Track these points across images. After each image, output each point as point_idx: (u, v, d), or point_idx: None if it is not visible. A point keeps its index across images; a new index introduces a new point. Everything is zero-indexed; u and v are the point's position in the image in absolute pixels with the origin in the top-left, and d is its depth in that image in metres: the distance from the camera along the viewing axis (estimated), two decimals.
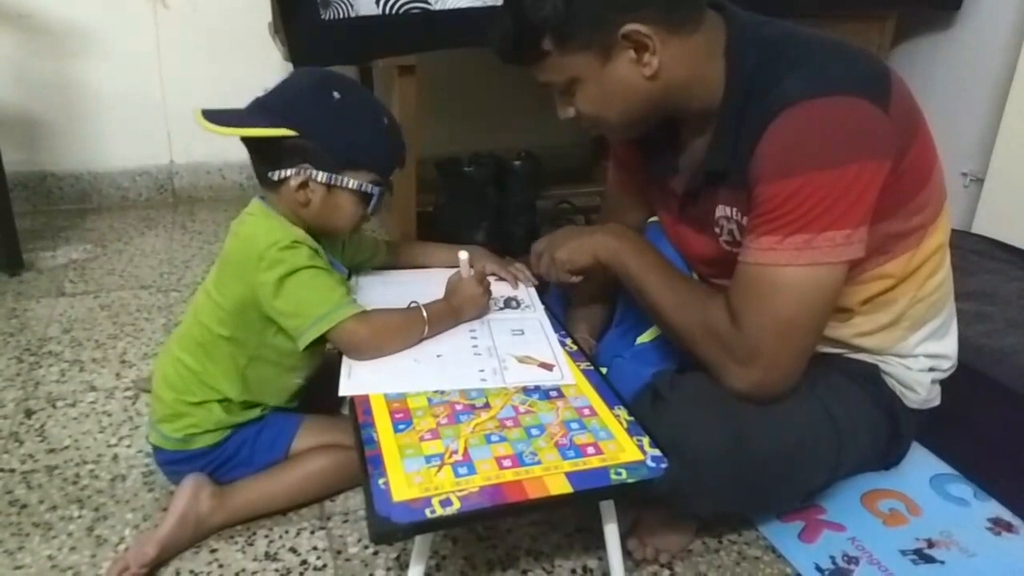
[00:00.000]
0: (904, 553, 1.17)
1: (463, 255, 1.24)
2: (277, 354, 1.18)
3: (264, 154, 1.14)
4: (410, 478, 0.89)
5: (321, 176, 1.12)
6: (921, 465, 1.35)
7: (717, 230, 1.12)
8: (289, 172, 1.12)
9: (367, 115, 1.16)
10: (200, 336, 1.19)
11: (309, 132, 1.10)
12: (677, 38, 1.02)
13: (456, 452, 0.94)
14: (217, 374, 1.18)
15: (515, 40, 1.06)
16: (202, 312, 1.19)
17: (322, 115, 1.11)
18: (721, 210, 1.10)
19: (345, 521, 1.23)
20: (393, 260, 1.43)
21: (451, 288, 1.22)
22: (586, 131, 1.14)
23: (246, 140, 1.13)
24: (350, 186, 1.14)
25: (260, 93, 1.15)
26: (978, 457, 1.34)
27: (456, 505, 0.86)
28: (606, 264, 1.19)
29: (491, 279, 1.38)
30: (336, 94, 1.12)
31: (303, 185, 1.12)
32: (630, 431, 0.98)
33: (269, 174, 1.13)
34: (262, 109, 1.12)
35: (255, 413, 1.23)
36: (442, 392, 1.05)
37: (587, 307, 1.37)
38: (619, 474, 0.91)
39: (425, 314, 1.15)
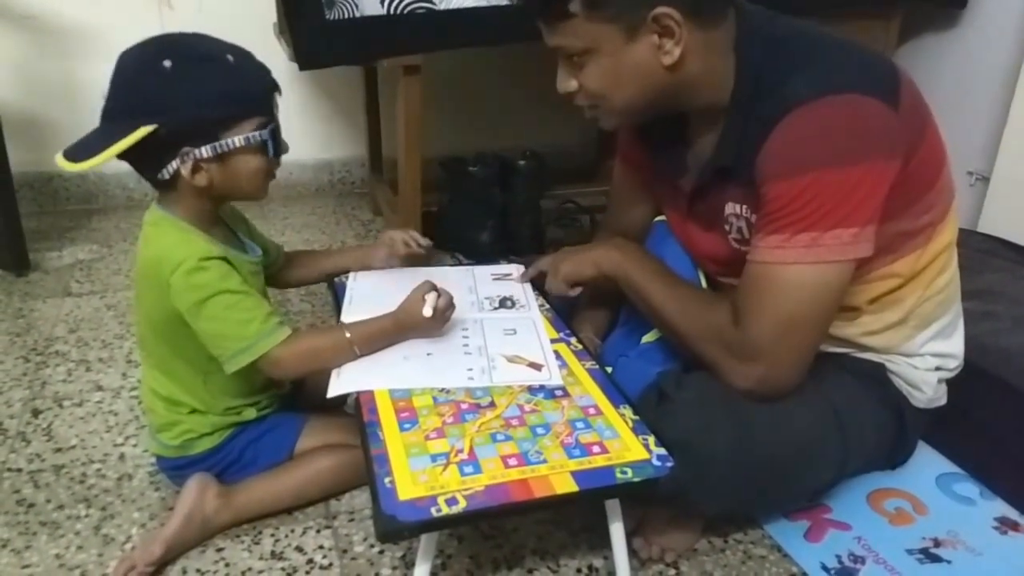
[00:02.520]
0: (910, 552, 1.17)
1: (431, 297, 1.13)
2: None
3: (142, 160, 1.06)
4: (416, 477, 0.89)
5: (206, 151, 1.04)
6: (927, 464, 1.35)
7: (726, 227, 1.12)
8: (175, 164, 1.05)
9: (210, 64, 1.04)
10: (153, 360, 1.18)
11: (165, 116, 1.01)
12: (701, 31, 1.01)
13: (462, 451, 0.94)
14: (183, 391, 1.17)
15: None
16: (143, 338, 1.18)
17: (166, 91, 1.01)
18: (730, 207, 1.10)
19: (351, 520, 1.23)
20: (288, 273, 1.37)
21: (403, 306, 1.14)
22: (580, 109, 1.12)
23: (120, 155, 1.02)
24: (239, 144, 1.06)
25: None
26: (984, 456, 1.33)
27: (462, 504, 0.86)
28: (609, 275, 1.20)
29: (491, 279, 1.39)
30: (166, 63, 1.01)
31: (195, 169, 1.05)
32: (635, 430, 0.98)
33: (158, 176, 1.07)
34: (112, 117, 1.04)
35: (252, 413, 1.22)
36: (447, 391, 1.05)
37: (592, 308, 1.37)
38: (624, 473, 0.91)
39: (348, 335, 1.11)
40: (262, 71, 1.10)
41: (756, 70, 1.03)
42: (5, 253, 2.05)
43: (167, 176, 1.07)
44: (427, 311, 1.11)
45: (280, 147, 1.12)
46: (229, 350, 1.08)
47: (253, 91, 1.08)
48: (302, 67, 1.80)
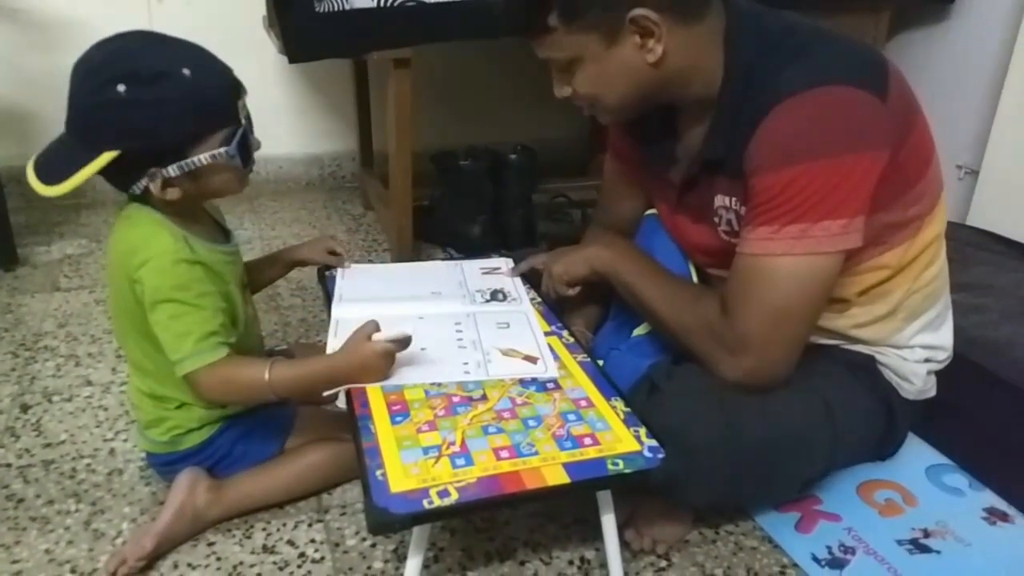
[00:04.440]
0: (900, 543, 1.18)
1: (408, 333, 1.07)
2: None
3: (112, 178, 1.04)
4: (408, 469, 0.89)
5: (173, 170, 1.02)
6: (917, 456, 1.35)
7: (716, 219, 1.12)
8: (144, 182, 1.03)
9: (165, 83, 0.98)
10: (133, 356, 1.17)
11: (127, 142, 0.99)
12: (683, 26, 1.01)
13: (453, 443, 0.94)
14: (165, 385, 1.15)
15: (522, 11, 1.04)
16: (121, 333, 1.17)
17: (124, 118, 0.97)
18: (720, 200, 1.10)
19: (343, 514, 1.23)
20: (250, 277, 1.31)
21: (347, 346, 1.07)
22: (580, 109, 1.13)
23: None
24: (205, 162, 1.03)
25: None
26: (974, 447, 1.34)
27: (454, 496, 0.86)
28: (601, 273, 1.21)
29: (480, 273, 1.39)
30: (120, 87, 0.96)
31: (165, 185, 1.04)
32: (627, 422, 0.98)
33: (130, 190, 1.05)
34: (75, 134, 1.01)
35: (237, 406, 1.20)
36: (439, 384, 1.05)
37: (583, 302, 1.37)
38: (616, 464, 0.91)
39: (267, 376, 1.06)
40: (222, 76, 1.05)
41: (745, 63, 1.03)
42: None
43: (138, 191, 1.06)
44: (371, 352, 1.04)
45: (251, 152, 1.09)
46: (171, 354, 1.06)
47: (214, 103, 1.03)
48: (291, 60, 1.79)
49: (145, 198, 1.08)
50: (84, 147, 0.99)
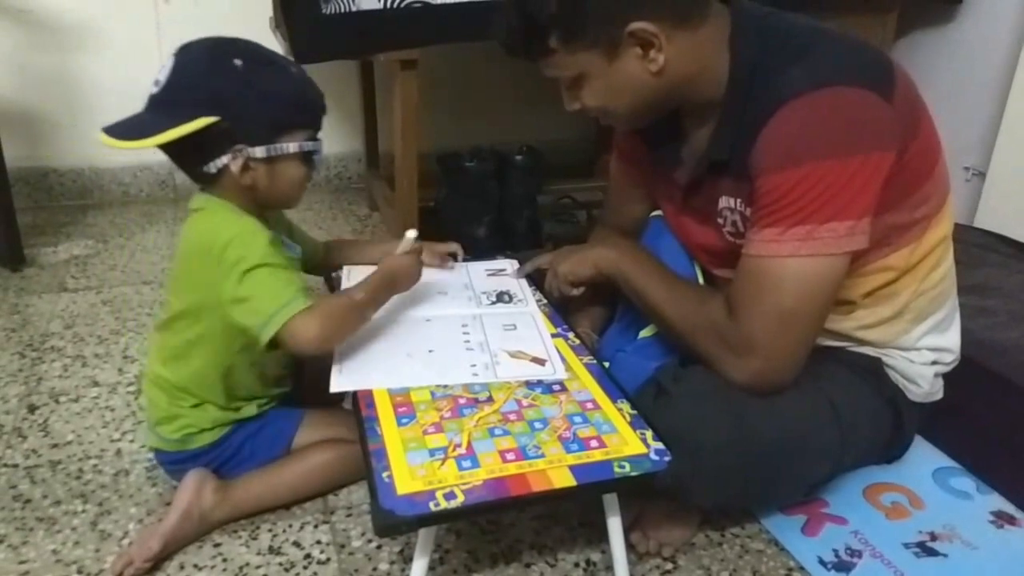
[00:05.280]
0: (907, 546, 1.17)
1: (411, 233, 1.23)
2: (249, 349, 1.14)
3: (190, 151, 1.07)
4: (414, 471, 0.89)
5: (259, 151, 1.06)
6: (923, 458, 1.35)
7: (720, 221, 1.12)
8: (225, 160, 1.06)
9: (277, 73, 1.08)
10: (172, 348, 1.17)
11: (229, 111, 1.03)
12: (683, 33, 1.02)
13: (460, 445, 0.94)
14: (197, 382, 1.17)
15: (521, 37, 1.06)
16: (168, 323, 1.18)
17: (234, 88, 1.03)
18: (724, 201, 1.10)
19: (349, 515, 1.23)
20: (330, 260, 1.40)
21: (384, 262, 1.20)
22: (593, 119, 1.14)
23: (165, 144, 1.03)
24: (291, 151, 1.08)
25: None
26: (981, 451, 1.33)
27: (460, 498, 0.86)
28: (607, 274, 1.21)
29: (486, 275, 1.40)
30: (237, 61, 1.04)
31: (244, 168, 1.07)
32: (633, 425, 0.98)
33: (204, 169, 1.07)
34: (166, 105, 1.04)
35: (252, 409, 1.22)
36: (445, 386, 1.05)
37: (589, 303, 1.37)
38: (622, 467, 0.91)
39: (357, 299, 1.12)
40: (319, 92, 1.13)
41: (750, 64, 1.03)
42: (0, 248, 2.04)
43: (213, 170, 1.07)
44: (405, 257, 1.20)
45: (317, 164, 1.16)
46: (264, 315, 1.04)
47: (312, 103, 1.12)
48: (298, 61, 1.79)
49: (214, 184, 1.10)
50: (180, 112, 1.02)
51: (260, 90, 1.04)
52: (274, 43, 2.23)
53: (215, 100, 1.02)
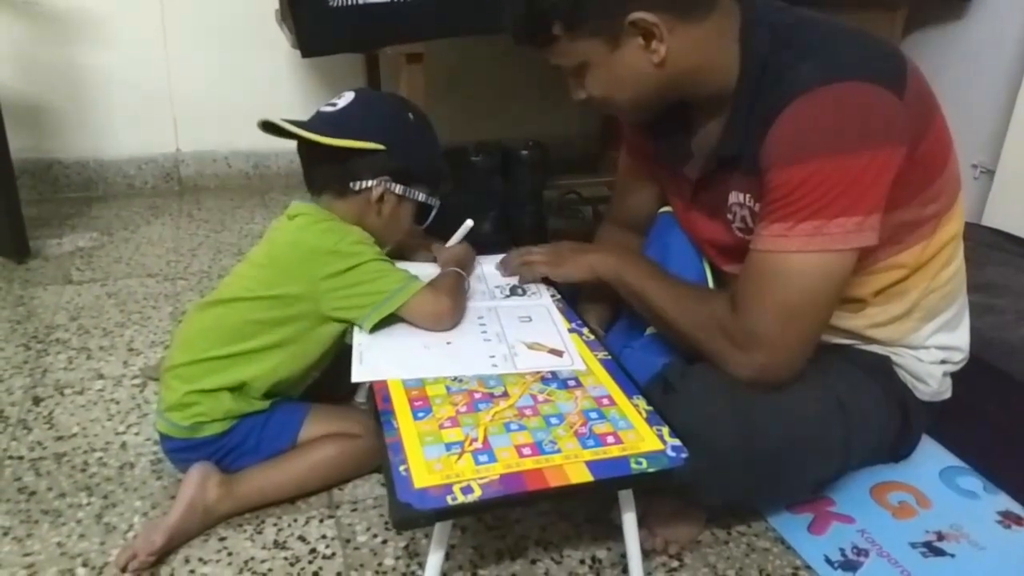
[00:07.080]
0: (914, 546, 1.17)
1: (468, 223, 1.36)
2: (315, 348, 1.21)
3: (346, 166, 1.20)
4: (431, 465, 0.89)
5: (398, 188, 1.23)
6: (931, 458, 1.34)
7: (730, 216, 1.12)
8: (371, 183, 1.20)
9: (430, 136, 1.28)
10: (239, 328, 1.19)
11: (394, 148, 1.20)
12: (686, 25, 1.01)
13: (476, 440, 0.93)
14: (248, 363, 1.18)
15: (526, 24, 1.06)
16: (244, 308, 1.19)
17: (403, 134, 1.22)
18: (734, 196, 1.10)
19: (354, 510, 1.23)
20: None
21: (446, 255, 1.33)
22: (598, 111, 1.14)
23: (321, 149, 1.17)
24: (419, 198, 1.26)
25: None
26: (988, 450, 1.33)
27: (477, 492, 0.85)
28: (604, 279, 1.21)
29: (495, 269, 1.39)
30: (410, 115, 1.25)
31: (380, 197, 1.21)
32: (650, 421, 0.98)
33: (352, 184, 1.21)
34: (334, 124, 1.18)
35: (265, 404, 1.22)
36: (460, 380, 1.05)
37: (595, 300, 1.36)
38: (640, 463, 0.91)
39: (458, 271, 1.26)
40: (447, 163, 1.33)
41: (761, 59, 1.02)
42: (5, 240, 2.04)
43: (356, 188, 1.21)
44: (463, 248, 1.35)
45: (424, 222, 1.31)
46: (383, 294, 1.15)
47: (445, 170, 1.32)
48: (304, 54, 1.79)
49: (340, 197, 1.22)
50: (351, 131, 1.18)
51: (418, 143, 1.25)
52: (280, 36, 2.22)
53: (388, 136, 1.20)
